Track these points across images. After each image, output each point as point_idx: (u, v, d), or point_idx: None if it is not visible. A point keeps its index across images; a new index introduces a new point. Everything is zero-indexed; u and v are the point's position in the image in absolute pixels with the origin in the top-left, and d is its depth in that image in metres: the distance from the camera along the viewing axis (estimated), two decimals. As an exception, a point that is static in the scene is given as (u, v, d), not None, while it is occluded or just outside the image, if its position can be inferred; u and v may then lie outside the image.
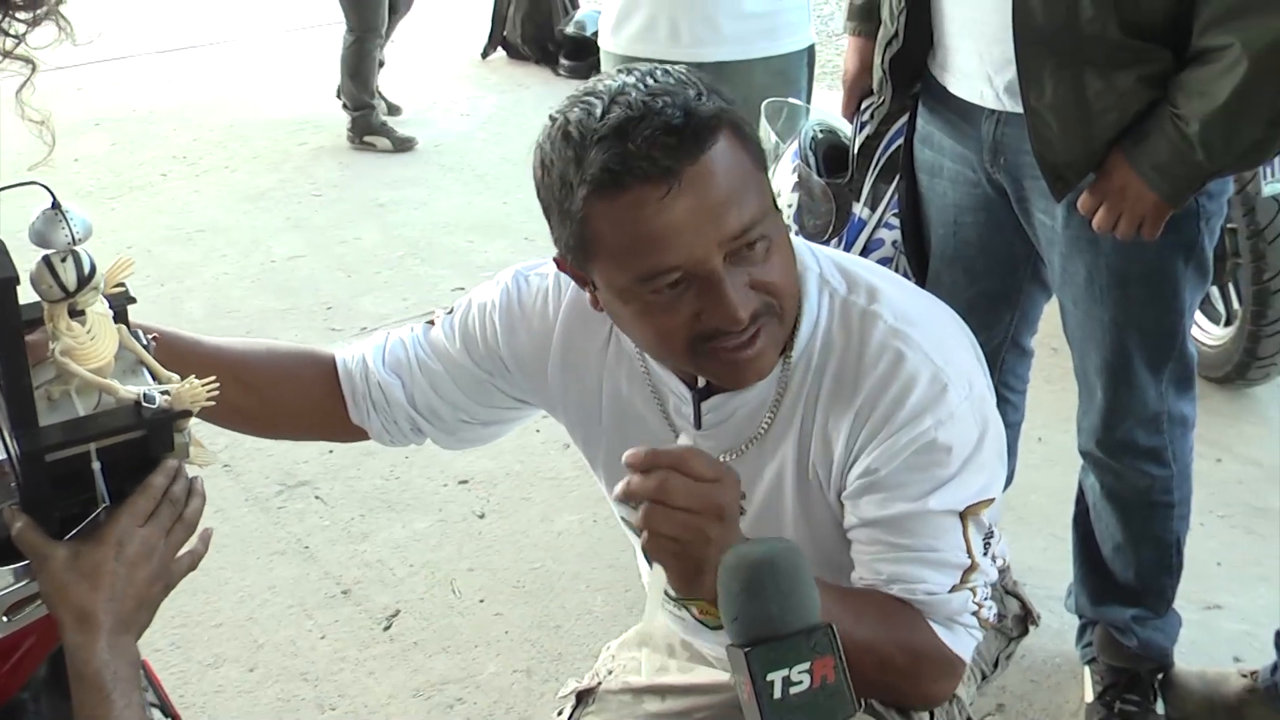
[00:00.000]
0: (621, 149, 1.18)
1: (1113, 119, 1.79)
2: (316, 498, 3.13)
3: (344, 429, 1.59)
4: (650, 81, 1.22)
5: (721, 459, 1.43)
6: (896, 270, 2.23)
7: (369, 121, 5.70)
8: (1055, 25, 1.77)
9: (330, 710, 2.45)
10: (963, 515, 1.32)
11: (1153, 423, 2.06)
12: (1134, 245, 1.87)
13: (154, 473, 1.13)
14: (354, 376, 1.56)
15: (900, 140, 2.26)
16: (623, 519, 1.61)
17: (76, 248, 1.09)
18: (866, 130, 2.30)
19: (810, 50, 2.84)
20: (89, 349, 1.11)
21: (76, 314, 1.12)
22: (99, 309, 1.14)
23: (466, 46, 7.25)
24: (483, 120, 6.19)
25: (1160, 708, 2.27)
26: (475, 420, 1.60)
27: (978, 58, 1.94)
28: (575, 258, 1.29)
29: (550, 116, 1.26)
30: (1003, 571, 1.64)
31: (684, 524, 1.15)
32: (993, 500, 1.35)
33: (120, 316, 1.18)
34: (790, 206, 2.47)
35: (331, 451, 3.24)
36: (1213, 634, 2.52)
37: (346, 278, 4.45)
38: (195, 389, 1.11)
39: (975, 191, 2.08)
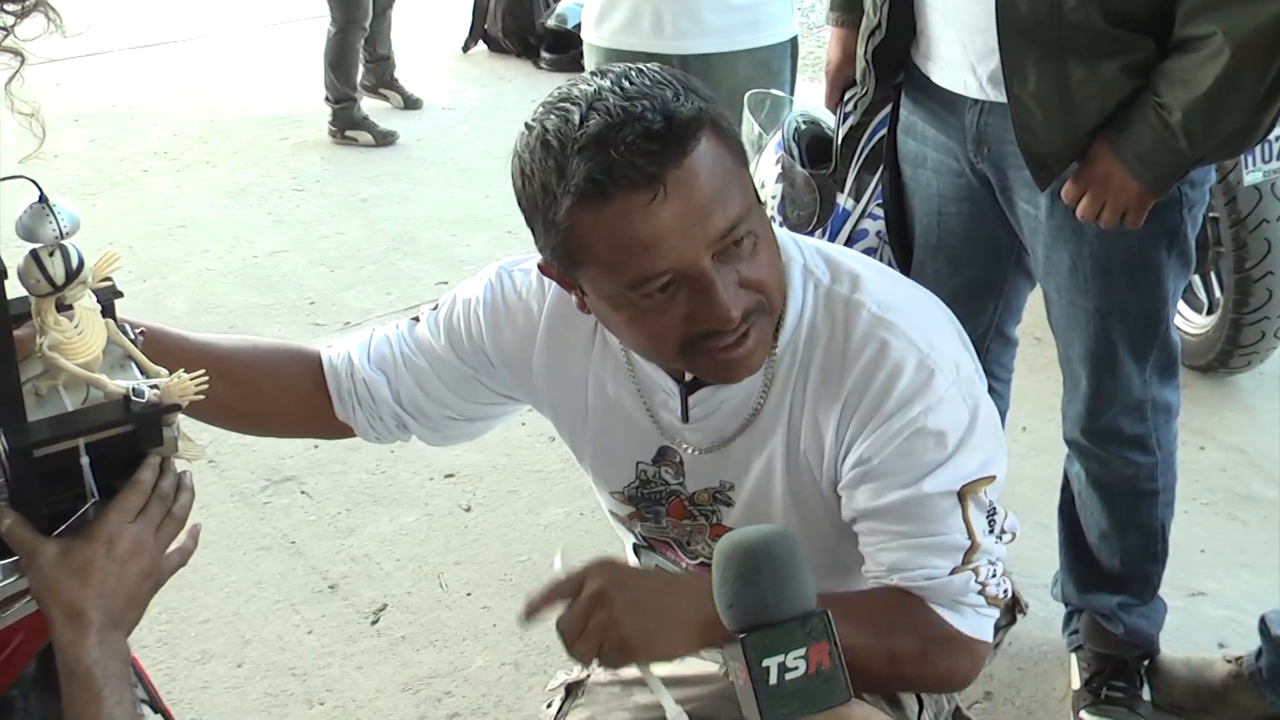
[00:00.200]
0: (604, 157, 1.16)
1: (1096, 108, 1.79)
2: (302, 493, 3.12)
3: (329, 425, 1.59)
4: (626, 84, 1.20)
5: (710, 451, 1.44)
6: (881, 260, 2.23)
7: (350, 115, 5.69)
8: (1039, 14, 1.77)
9: (318, 705, 2.45)
10: (961, 495, 1.31)
11: (1137, 410, 2.08)
12: (1117, 234, 1.87)
13: (142, 468, 1.13)
14: (339, 373, 1.56)
15: (884, 131, 2.26)
16: (610, 512, 1.61)
17: (64, 242, 1.09)
18: (850, 121, 2.30)
19: (793, 42, 2.84)
20: (77, 344, 1.10)
21: (64, 308, 1.12)
22: (86, 303, 1.13)
23: (447, 40, 7.23)
24: (465, 114, 6.17)
25: (1146, 694, 2.28)
26: (461, 416, 1.60)
27: (961, 47, 1.94)
28: (561, 265, 1.29)
29: (526, 125, 1.25)
30: None
31: (596, 629, 1.25)
32: (993, 478, 1.34)
33: (108, 311, 1.18)
34: (774, 198, 2.47)
35: (317, 447, 3.24)
36: (1197, 620, 2.54)
37: (329, 273, 4.44)
38: (184, 383, 1.11)
39: (959, 181, 2.08)
